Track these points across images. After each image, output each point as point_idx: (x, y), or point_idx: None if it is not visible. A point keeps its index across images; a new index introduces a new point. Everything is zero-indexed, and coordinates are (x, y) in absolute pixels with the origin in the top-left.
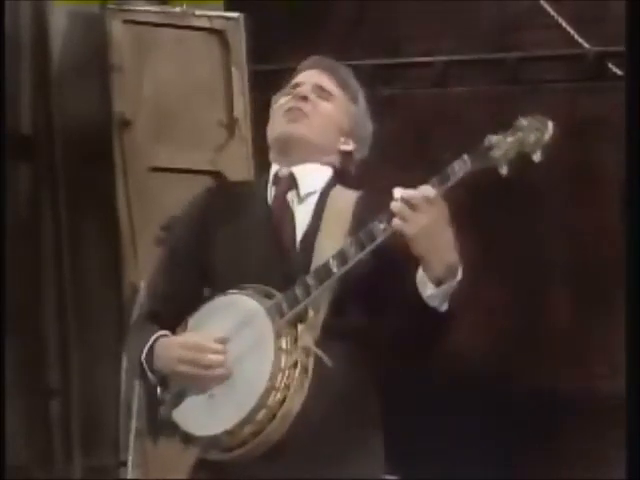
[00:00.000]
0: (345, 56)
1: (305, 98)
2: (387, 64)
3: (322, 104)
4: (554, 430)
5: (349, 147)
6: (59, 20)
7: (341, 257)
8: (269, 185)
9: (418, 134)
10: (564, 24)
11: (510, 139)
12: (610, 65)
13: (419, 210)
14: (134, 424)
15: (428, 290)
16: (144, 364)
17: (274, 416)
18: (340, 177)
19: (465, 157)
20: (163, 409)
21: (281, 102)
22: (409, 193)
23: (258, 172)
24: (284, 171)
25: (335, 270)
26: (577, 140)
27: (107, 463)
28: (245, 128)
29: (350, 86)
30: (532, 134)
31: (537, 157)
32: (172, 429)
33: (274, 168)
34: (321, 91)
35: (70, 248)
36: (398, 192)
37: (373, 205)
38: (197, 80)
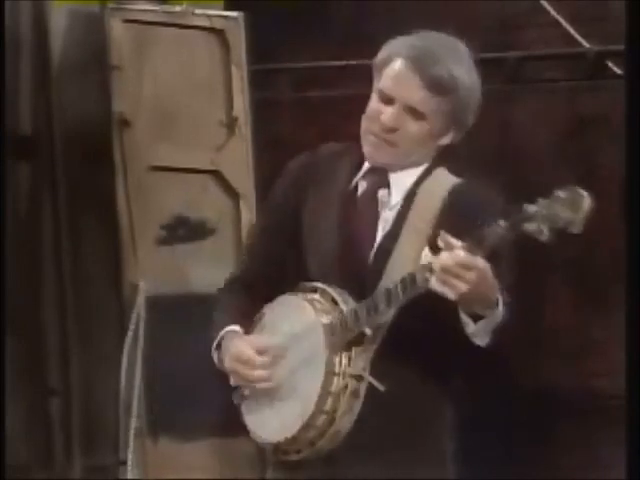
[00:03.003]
0: (345, 56)
1: (392, 130)
2: None
3: (413, 126)
4: (554, 429)
5: (448, 139)
6: (59, 20)
7: (387, 297)
8: (361, 173)
9: None
10: (564, 23)
11: (545, 212)
12: (610, 64)
13: (457, 277)
14: (134, 423)
15: (469, 327)
16: (214, 354)
17: (323, 434)
18: (440, 160)
19: (502, 224)
20: (234, 396)
21: (372, 106)
22: (446, 261)
23: (259, 175)
24: (379, 169)
25: (381, 308)
26: (577, 139)
27: (107, 463)
28: (245, 127)
29: (447, 80)
30: (567, 210)
31: (575, 229)
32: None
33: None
34: (413, 112)
35: (70, 248)
36: (440, 242)
37: (459, 207)
38: (197, 79)
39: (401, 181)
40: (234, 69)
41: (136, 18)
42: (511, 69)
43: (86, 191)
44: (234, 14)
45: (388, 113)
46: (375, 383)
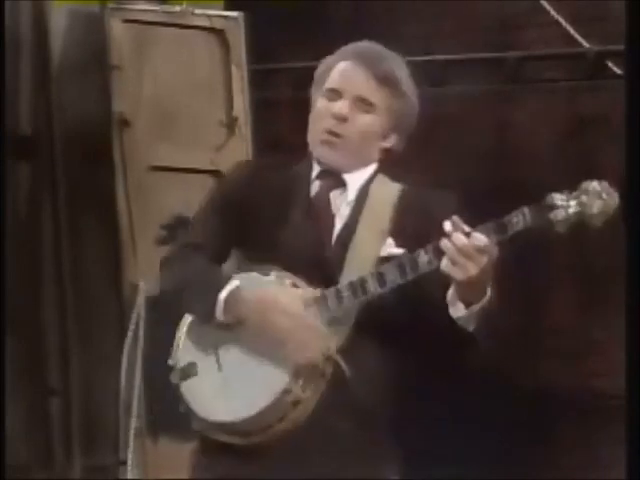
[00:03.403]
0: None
1: (344, 119)
2: None
3: (362, 118)
4: (554, 429)
5: (391, 143)
6: (59, 20)
7: (380, 278)
8: (312, 177)
9: (417, 134)
10: (564, 23)
11: (573, 202)
12: (610, 64)
13: (471, 259)
14: (134, 423)
15: (458, 311)
16: (221, 304)
17: (284, 417)
18: (383, 166)
19: (525, 212)
20: (173, 377)
21: (319, 107)
22: (463, 242)
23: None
24: (331, 172)
25: (372, 290)
26: (577, 139)
27: (107, 463)
28: (245, 127)
29: (394, 78)
30: (596, 203)
31: (598, 223)
32: (178, 400)
33: (319, 165)
34: (363, 103)
35: (70, 248)
36: (449, 226)
37: (416, 202)
38: (197, 79)
39: (353, 180)
40: (234, 69)
41: (136, 18)
42: (511, 69)
43: (86, 191)
44: (234, 14)
45: (339, 104)
46: (343, 365)
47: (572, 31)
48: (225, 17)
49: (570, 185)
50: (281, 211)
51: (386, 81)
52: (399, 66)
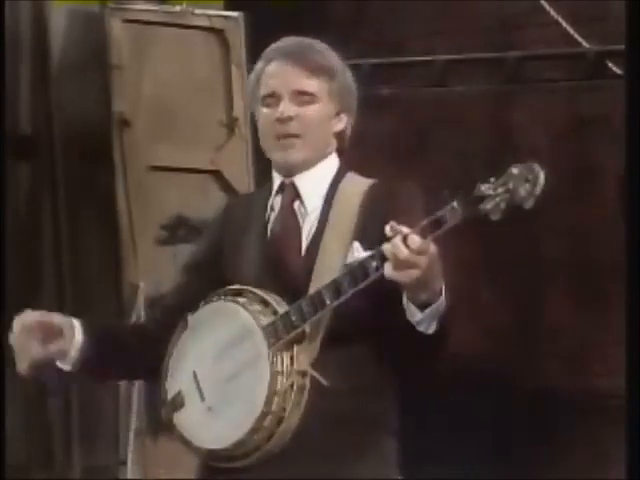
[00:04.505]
0: (345, 56)
1: (290, 118)
2: (387, 63)
3: (308, 110)
4: (554, 429)
5: (343, 124)
6: (59, 20)
7: (334, 289)
8: (273, 193)
9: (418, 133)
10: (564, 23)
11: (501, 190)
12: (610, 64)
13: (410, 263)
14: (133, 423)
15: (415, 316)
16: None
17: (271, 436)
18: (346, 159)
19: (455, 206)
20: (164, 411)
21: (263, 117)
22: (398, 247)
23: (259, 175)
24: (287, 181)
25: (328, 302)
26: (577, 139)
27: (107, 462)
28: (245, 127)
29: (324, 64)
30: (523, 186)
31: (529, 205)
32: (174, 431)
33: (279, 178)
34: (302, 96)
35: (70, 247)
36: (390, 230)
37: (382, 193)
38: (197, 79)
39: (311, 187)
40: (234, 69)
41: (136, 18)
42: (511, 69)
43: (86, 191)
44: (234, 14)
45: (280, 108)
46: (319, 378)
47: (572, 31)
48: (225, 17)
49: (573, 186)
50: (247, 235)
51: (317, 70)
52: (323, 50)
